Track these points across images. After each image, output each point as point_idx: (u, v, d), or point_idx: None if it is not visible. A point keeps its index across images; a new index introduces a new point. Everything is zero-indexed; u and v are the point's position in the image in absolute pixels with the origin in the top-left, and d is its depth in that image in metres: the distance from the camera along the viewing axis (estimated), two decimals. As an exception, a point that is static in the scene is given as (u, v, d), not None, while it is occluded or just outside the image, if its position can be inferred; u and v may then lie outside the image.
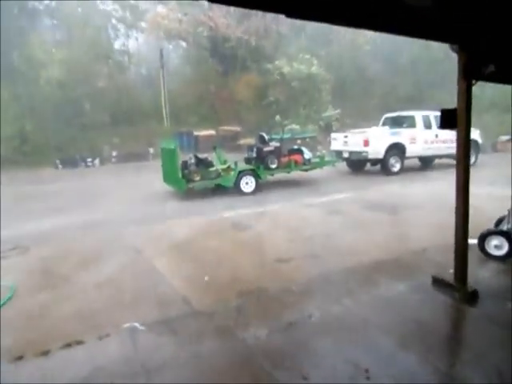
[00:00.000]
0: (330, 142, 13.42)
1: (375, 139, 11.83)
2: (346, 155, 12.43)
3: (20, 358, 2.84)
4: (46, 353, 2.90)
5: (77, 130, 20.36)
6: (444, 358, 2.82)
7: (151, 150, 19.58)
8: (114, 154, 20.11)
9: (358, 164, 12.87)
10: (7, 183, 13.28)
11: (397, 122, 12.95)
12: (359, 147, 11.85)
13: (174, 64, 27.06)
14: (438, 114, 3.78)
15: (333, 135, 13.31)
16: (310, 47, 23.57)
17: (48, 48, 20.29)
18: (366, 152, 11.73)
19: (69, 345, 2.99)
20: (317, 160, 11.36)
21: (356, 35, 24.14)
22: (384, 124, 13.38)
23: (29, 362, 2.82)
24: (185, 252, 5.35)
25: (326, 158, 11.83)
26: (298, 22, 23.22)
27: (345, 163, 13.05)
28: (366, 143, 11.70)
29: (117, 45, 26.89)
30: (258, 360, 2.77)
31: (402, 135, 12.11)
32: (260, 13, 21.80)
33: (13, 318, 3.47)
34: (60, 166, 18.49)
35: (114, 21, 26.99)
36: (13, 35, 19.97)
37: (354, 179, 11.94)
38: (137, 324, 3.29)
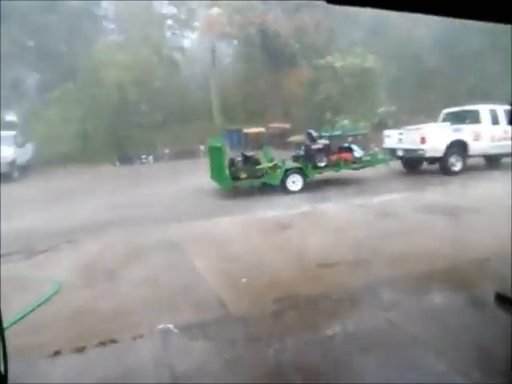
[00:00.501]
0: (383, 140, 12.74)
1: (433, 136, 10.99)
2: (400, 153, 11.70)
3: (57, 353, 2.91)
4: (81, 349, 2.95)
5: (134, 129, 21.31)
6: (507, 389, 2.44)
7: (202, 148, 19.93)
8: (167, 151, 20.79)
9: (413, 163, 12.08)
10: (69, 178, 14.23)
11: (458, 118, 11.94)
12: (415, 145, 11.09)
13: (226, 62, 27.35)
14: (508, 108, 3.31)
15: (386, 132, 12.61)
16: (364, 40, 22.60)
17: (108, 51, 21.41)
18: (423, 150, 10.94)
19: (103, 343, 3.02)
20: (368, 158, 10.82)
21: (414, 25, 22.72)
22: (444, 120, 12.42)
23: (65, 357, 2.87)
24: (225, 251, 5.28)
25: (379, 157, 11.23)
26: (351, 14, 22.37)
27: (399, 162, 12.32)
28: (423, 140, 10.92)
29: (172, 46, 27.76)
30: (288, 375, 2.58)
31: (464, 132, 11.14)
32: (310, 7, 21.33)
33: (55, 313, 3.60)
34: (117, 163, 19.49)
35: (170, 22, 27.90)
36: (76, 40, 21.35)
37: (408, 179, 11.22)
38: (171, 326, 3.25)
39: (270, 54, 23.65)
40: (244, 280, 4.19)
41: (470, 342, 2.87)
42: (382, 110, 20.28)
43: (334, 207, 7.77)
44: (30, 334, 3.20)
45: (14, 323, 3.30)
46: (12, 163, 14.18)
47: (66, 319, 3.50)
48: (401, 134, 11.75)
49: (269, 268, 4.56)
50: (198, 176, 11.97)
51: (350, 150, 10.52)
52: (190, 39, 28.85)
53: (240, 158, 9.85)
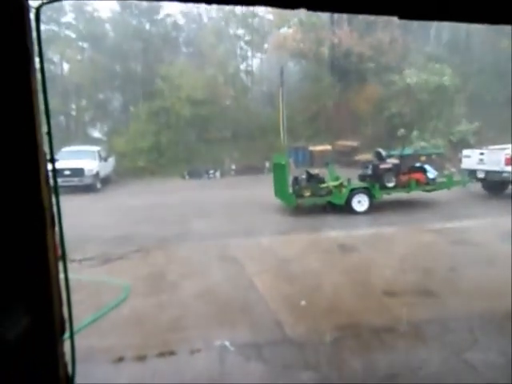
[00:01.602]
0: (461, 160, 11.81)
1: (521, 157, 9.93)
2: (481, 175, 10.72)
3: (121, 359, 3.04)
4: (142, 358, 3.06)
5: (203, 145, 22.34)
6: None
7: (267, 164, 20.16)
8: (233, 166, 21.37)
9: (496, 186, 10.97)
10: (143, 190, 15.25)
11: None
12: (499, 166, 10.09)
13: (294, 81, 27.67)
14: None
15: (465, 152, 11.67)
16: (442, 55, 21.44)
17: (183, 72, 22.85)
18: (509, 172, 9.91)
19: (163, 354, 3.10)
20: (443, 180, 10.08)
21: (497, 38, 21.04)
22: (534, 139, 11.18)
23: (128, 364, 3.00)
24: (285, 270, 5.20)
25: (455, 178, 10.40)
26: (429, 29, 21.47)
27: (479, 184, 11.28)
28: (509, 162, 9.90)
29: (242, 66, 28.90)
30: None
31: (561, 152, 9.91)
32: (384, 24, 20.86)
33: (121, 318, 3.80)
34: (187, 177, 20.45)
35: (242, 44, 29.17)
36: (156, 63, 23.14)
37: (490, 204, 10.20)
38: (227, 343, 3.24)
39: (339, 72, 23.44)
40: (303, 302, 4.07)
41: None
42: (460, 127, 18.90)
43: (403, 231, 7.30)
44: (98, 338, 3.40)
45: (84, 327, 3.54)
46: (96, 175, 15.55)
47: (131, 326, 3.67)
48: (482, 154, 10.80)
49: (330, 292, 4.39)
50: (262, 192, 12.06)
51: (422, 170, 9.90)
52: (259, 59, 29.77)
53: (304, 176, 9.76)
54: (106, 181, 16.95)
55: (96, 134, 24.48)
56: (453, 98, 19.55)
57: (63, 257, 2.00)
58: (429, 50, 22.45)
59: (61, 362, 1.87)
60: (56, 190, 1.95)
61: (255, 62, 29.47)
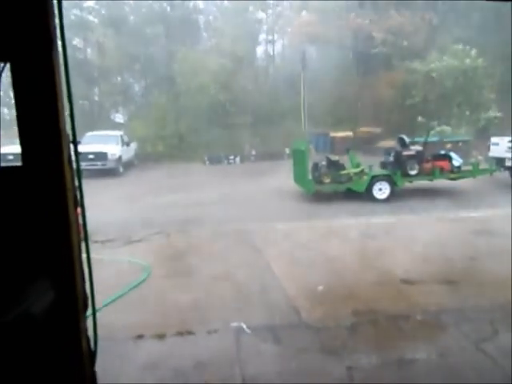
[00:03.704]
0: (488, 147, 11.41)
1: (554, 145, 9.51)
2: (509, 163, 10.36)
3: (140, 336, 3.15)
4: (161, 336, 3.16)
5: (223, 130, 22.34)
6: None
7: (287, 150, 20.01)
8: (253, 152, 21.33)
9: (525, 175, 10.58)
10: (165, 175, 15.47)
11: None
12: (529, 154, 9.72)
13: (316, 66, 27.20)
14: None
15: (493, 139, 11.26)
16: (471, 38, 20.52)
17: (204, 56, 22.77)
18: (539, 161, 9.54)
19: (181, 333, 3.19)
20: (469, 168, 9.78)
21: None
22: None
23: (147, 342, 3.10)
24: (303, 256, 5.21)
25: (482, 166, 10.07)
26: (459, 9, 20.56)
27: (507, 173, 10.89)
28: (540, 150, 9.52)
29: (263, 50, 28.55)
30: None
31: None
32: (409, 5, 20.11)
33: (142, 299, 3.92)
34: (207, 162, 20.58)
35: (262, 28, 28.73)
36: (177, 47, 23.11)
37: (518, 193, 9.86)
38: (244, 325, 3.30)
39: (361, 56, 22.86)
40: (320, 287, 4.09)
41: None
42: (488, 114, 18.18)
43: (424, 220, 7.16)
44: (119, 316, 3.52)
45: (105, 306, 3.67)
46: (119, 160, 15.84)
47: (150, 305, 3.79)
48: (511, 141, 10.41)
49: (347, 278, 4.39)
50: (282, 178, 12.02)
51: (447, 157, 9.63)
52: (281, 43, 29.31)
53: (324, 162, 9.67)
54: (128, 165, 17.25)
55: (118, 118, 24.88)
56: (480, 83, 18.77)
57: (85, 237, 2.06)
58: (457, 32, 21.51)
59: (83, 336, 1.95)
60: (79, 172, 1.99)
61: (276, 47, 29.06)
